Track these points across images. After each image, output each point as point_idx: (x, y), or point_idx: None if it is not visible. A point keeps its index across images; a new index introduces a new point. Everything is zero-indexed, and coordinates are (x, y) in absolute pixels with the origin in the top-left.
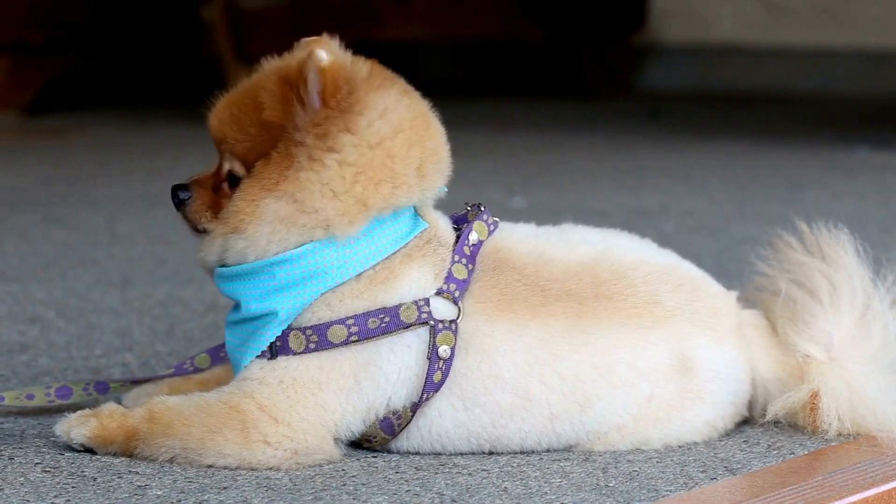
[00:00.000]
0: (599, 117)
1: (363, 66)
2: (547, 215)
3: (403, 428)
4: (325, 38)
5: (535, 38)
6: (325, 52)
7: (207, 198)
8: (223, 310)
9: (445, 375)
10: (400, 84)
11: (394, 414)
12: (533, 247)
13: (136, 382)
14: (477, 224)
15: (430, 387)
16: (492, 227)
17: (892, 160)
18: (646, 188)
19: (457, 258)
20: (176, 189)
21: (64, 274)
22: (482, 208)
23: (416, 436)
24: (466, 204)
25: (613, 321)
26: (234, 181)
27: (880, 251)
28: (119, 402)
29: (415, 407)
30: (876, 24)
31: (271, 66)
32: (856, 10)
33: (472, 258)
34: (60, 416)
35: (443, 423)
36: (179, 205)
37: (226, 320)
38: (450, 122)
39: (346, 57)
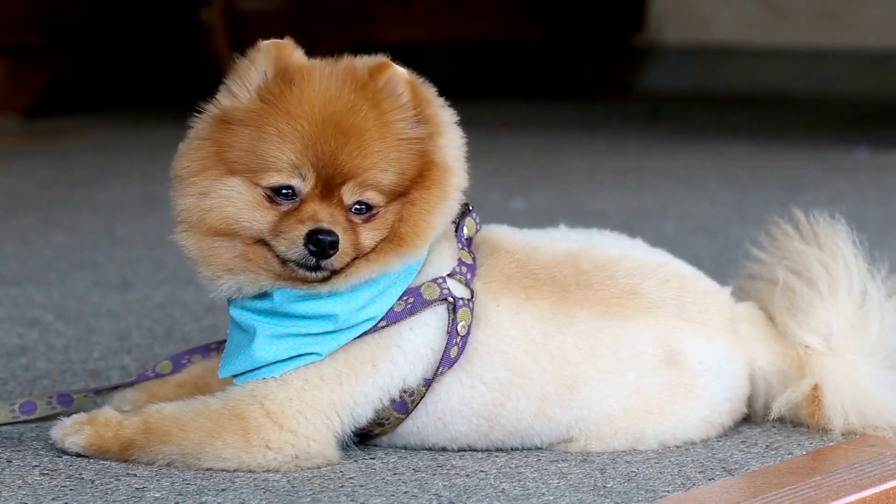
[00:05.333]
0: (599, 118)
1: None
2: (546, 217)
3: (416, 404)
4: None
5: (534, 40)
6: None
7: (352, 237)
8: (222, 312)
9: (461, 351)
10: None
11: (407, 392)
12: (520, 237)
13: (99, 392)
14: (468, 221)
15: (447, 361)
16: (479, 227)
17: (891, 161)
18: (645, 189)
19: (460, 246)
20: (327, 236)
21: (63, 277)
22: (470, 208)
23: (422, 414)
24: None
25: (594, 309)
26: (359, 210)
27: (879, 250)
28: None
29: (428, 383)
30: (875, 24)
31: (342, 79)
32: (855, 10)
33: (469, 248)
34: (57, 420)
35: (450, 400)
36: (331, 253)
37: (263, 332)
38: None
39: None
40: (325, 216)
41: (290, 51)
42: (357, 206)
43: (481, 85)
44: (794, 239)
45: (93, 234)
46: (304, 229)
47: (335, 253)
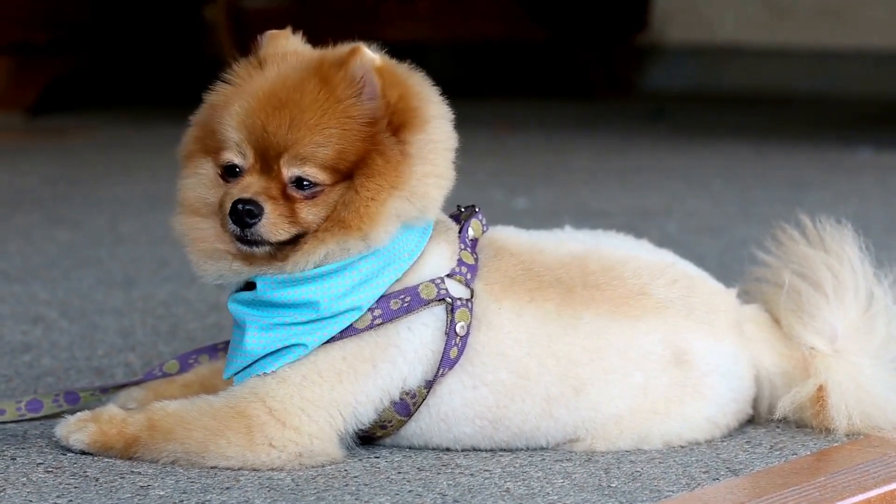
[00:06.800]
0: (602, 118)
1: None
2: (549, 216)
3: (418, 406)
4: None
5: (538, 39)
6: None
7: (284, 208)
8: (226, 310)
9: (461, 352)
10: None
11: (408, 394)
12: (526, 238)
13: (106, 391)
14: (473, 222)
15: (447, 362)
16: (485, 228)
17: (894, 161)
18: (648, 189)
19: (462, 246)
20: (244, 205)
21: (67, 274)
22: (476, 209)
23: (425, 416)
24: (459, 206)
25: (602, 309)
26: (301, 186)
27: (883, 252)
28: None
29: (429, 384)
30: (878, 24)
31: (307, 61)
32: (858, 10)
33: (473, 249)
34: (61, 417)
35: (452, 401)
36: (251, 222)
37: (252, 324)
38: (453, 123)
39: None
40: (258, 188)
41: (284, 39)
42: (302, 182)
43: (484, 84)
44: (801, 243)
45: (96, 231)
46: (230, 200)
47: (256, 222)
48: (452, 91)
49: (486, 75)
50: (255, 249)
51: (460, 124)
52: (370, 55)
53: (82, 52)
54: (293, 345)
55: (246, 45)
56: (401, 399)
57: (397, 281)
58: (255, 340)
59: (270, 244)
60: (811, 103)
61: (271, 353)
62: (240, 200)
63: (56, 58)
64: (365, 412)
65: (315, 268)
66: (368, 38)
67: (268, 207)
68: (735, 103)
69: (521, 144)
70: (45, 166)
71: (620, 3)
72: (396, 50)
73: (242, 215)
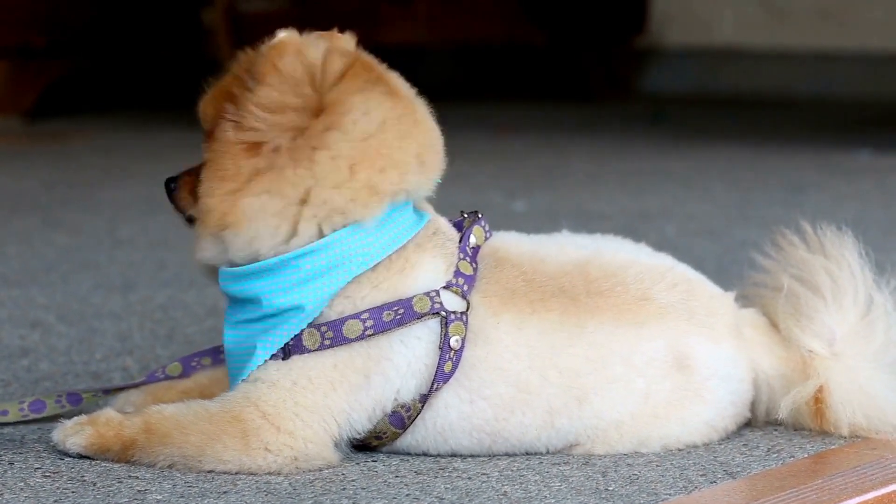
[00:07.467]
0: (601, 120)
1: (337, 63)
2: (548, 219)
3: (413, 420)
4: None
5: (537, 42)
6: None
7: (192, 184)
8: (224, 314)
9: (455, 366)
10: (383, 87)
11: (403, 407)
12: (528, 247)
13: (108, 392)
14: (476, 229)
15: (441, 377)
16: (488, 235)
17: (894, 163)
18: (647, 191)
19: (461, 255)
20: (168, 180)
21: (65, 278)
22: (479, 215)
23: (420, 429)
24: (462, 212)
25: (605, 316)
26: None
27: (882, 254)
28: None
29: (424, 398)
30: (877, 26)
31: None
32: (857, 12)
33: (473, 258)
34: (58, 422)
35: (448, 415)
36: (170, 194)
37: (227, 320)
38: (452, 126)
39: (320, 51)
40: (191, 166)
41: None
42: None
43: (483, 87)
44: (800, 248)
45: (95, 235)
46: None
47: (175, 194)
48: (451, 94)
49: (485, 78)
50: (188, 224)
51: (459, 127)
52: (287, 40)
53: (81, 56)
54: (253, 348)
55: (245, 49)
56: (395, 411)
57: (392, 291)
58: (229, 337)
59: (189, 218)
60: (810, 105)
61: (244, 359)
62: (168, 178)
63: (54, 61)
64: (359, 419)
65: (245, 256)
66: (367, 40)
67: (182, 182)
68: (734, 105)
69: (519, 147)
70: (43, 170)
71: (618, 6)
72: (395, 53)
73: (166, 184)
